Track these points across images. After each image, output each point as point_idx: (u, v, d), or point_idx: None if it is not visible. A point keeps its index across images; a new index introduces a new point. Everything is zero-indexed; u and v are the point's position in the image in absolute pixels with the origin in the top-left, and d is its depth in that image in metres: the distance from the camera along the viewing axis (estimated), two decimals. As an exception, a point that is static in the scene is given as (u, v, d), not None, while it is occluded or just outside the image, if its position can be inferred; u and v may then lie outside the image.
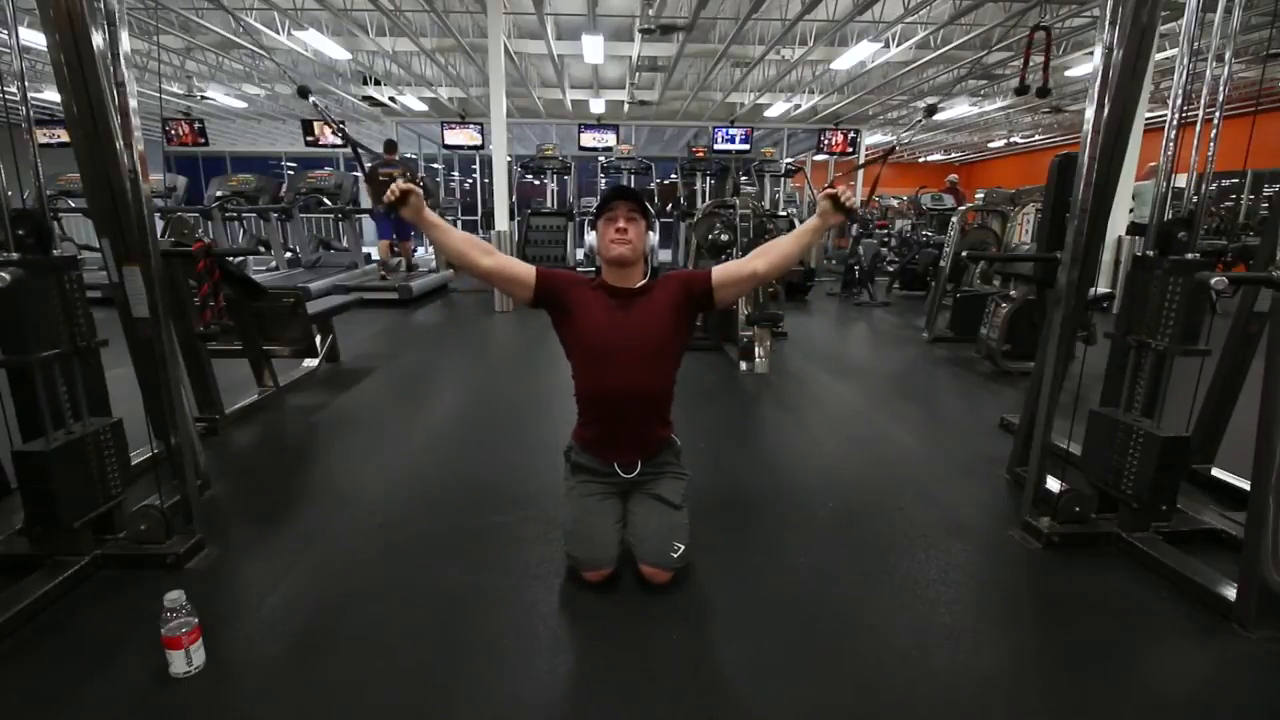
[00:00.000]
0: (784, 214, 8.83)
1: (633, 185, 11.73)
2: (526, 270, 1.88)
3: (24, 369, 1.79)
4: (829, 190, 1.80)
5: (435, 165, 16.13)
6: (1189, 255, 1.99)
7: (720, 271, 1.91)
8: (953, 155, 21.62)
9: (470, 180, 17.61)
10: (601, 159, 11.87)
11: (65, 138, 1.87)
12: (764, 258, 1.90)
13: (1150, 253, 2.08)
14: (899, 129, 16.02)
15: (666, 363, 1.91)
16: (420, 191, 1.80)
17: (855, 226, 9.19)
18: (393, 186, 1.75)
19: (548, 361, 4.81)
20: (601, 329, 1.84)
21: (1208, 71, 2.06)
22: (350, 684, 1.51)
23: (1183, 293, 1.95)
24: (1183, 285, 1.95)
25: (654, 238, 1.86)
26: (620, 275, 1.88)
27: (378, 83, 10.95)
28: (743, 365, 4.45)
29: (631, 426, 1.91)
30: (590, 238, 1.90)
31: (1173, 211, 2.14)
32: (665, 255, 11.00)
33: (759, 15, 7.48)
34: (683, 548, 1.85)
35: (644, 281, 1.91)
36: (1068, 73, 9.39)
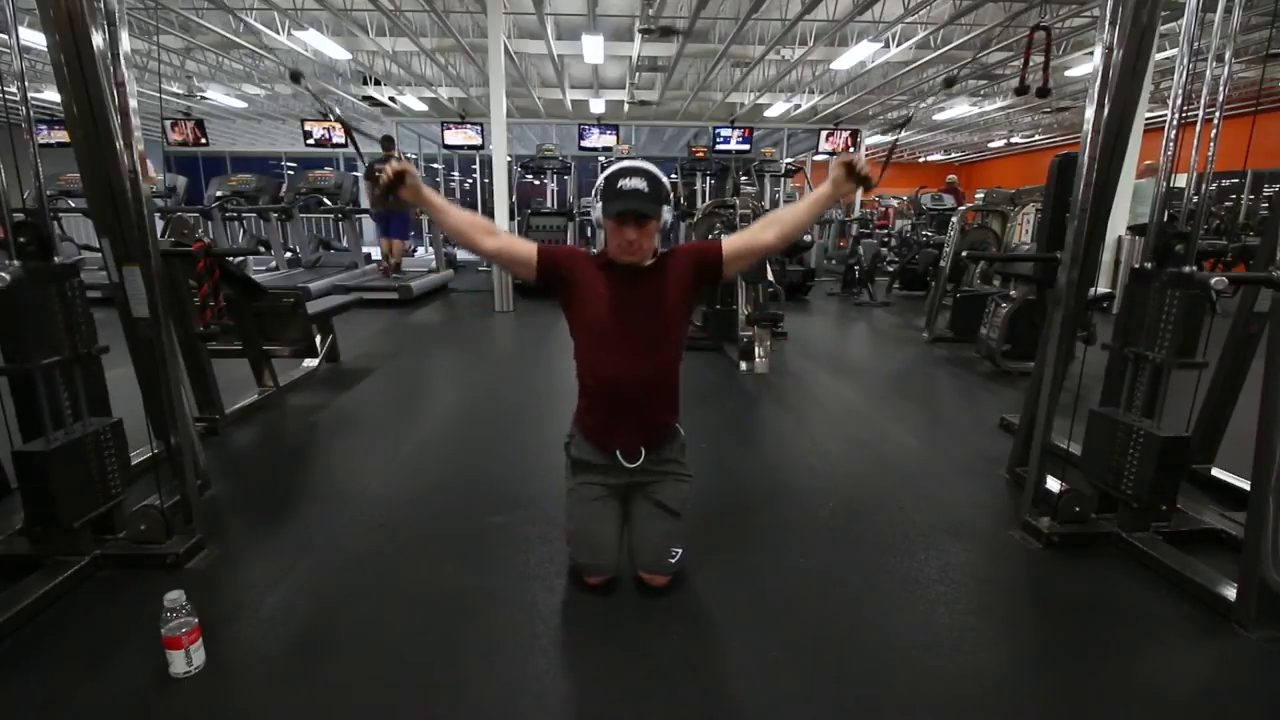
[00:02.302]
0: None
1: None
2: (528, 250, 1.79)
3: (26, 376, 1.79)
4: (845, 157, 1.70)
5: (435, 165, 16.13)
6: (1186, 268, 1.98)
7: (731, 245, 1.81)
8: (953, 155, 21.62)
9: (470, 180, 17.62)
10: (601, 159, 11.87)
11: (65, 138, 1.87)
12: (775, 227, 1.80)
13: (1148, 264, 2.08)
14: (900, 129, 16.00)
15: (672, 345, 1.83)
16: (415, 171, 1.71)
17: (855, 226, 9.20)
18: (386, 169, 1.67)
19: (547, 361, 4.81)
20: (605, 309, 1.76)
21: (1208, 71, 2.06)
22: (350, 684, 1.51)
23: (1180, 305, 1.95)
24: (1180, 297, 1.95)
25: (669, 213, 1.74)
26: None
27: (378, 83, 10.95)
28: (743, 365, 4.45)
29: (635, 411, 1.82)
30: (595, 213, 1.78)
31: (1171, 211, 2.14)
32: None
33: (759, 15, 7.48)
34: (680, 552, 1.84)
35: (652, 261, 1.79)
36: (1068, 73, 9.38)
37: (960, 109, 12.76)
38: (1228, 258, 5.65)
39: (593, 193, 1.83)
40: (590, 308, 1.77)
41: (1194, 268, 1.97)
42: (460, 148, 11.35)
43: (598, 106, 12.29)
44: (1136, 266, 2.12)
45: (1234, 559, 1.86)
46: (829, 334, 6.26)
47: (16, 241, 1.77)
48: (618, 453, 1.85)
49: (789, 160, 12.98)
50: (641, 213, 1.68)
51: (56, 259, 1.86)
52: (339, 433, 3.27)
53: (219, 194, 8.30)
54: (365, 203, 8.54)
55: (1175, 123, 2.04)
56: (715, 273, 1.82)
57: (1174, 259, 2.01)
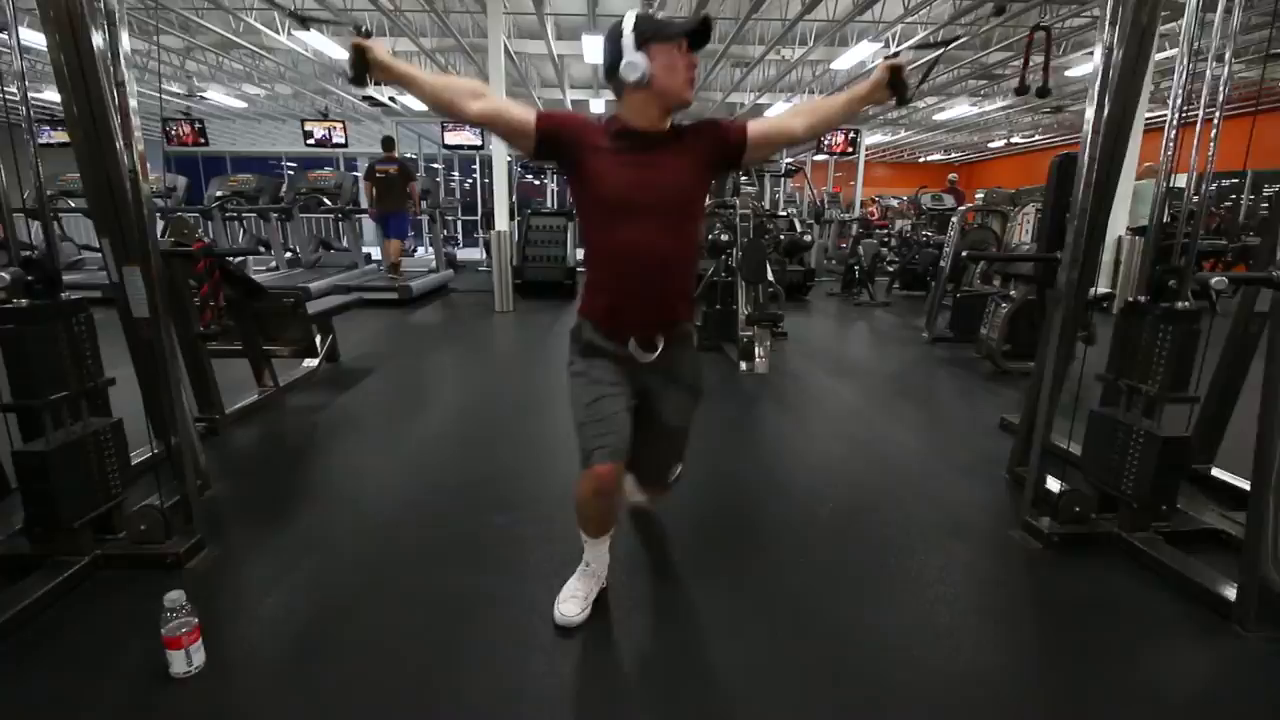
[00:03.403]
0: (784, 214, 8.83)
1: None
2: (525, 116, 1.58)
3: (32, 412, 1.82)
4: (894, 61, 1.59)
5: (435, 165, 16.12)
6: (1179, 304, 1.99)
7: (758, 128, 1.67)
8: (953, 155, 21.62)
9: (470, 180, 17.60)
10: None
11: (65, 138, 1.88)
12: (805, 118, 1.67)
13: (1141, 298, 2.09)
14: (900, 128, 16.04)
15: (690, 221, 1.68)
16: (372, 45, 1.54)
17: (855, 226, 9.19)
18: (351, 46, 1.53)
19: (548, 361, 4.81)
20: (620, 177, 1.58)
21: (1208, 71, 2.06)
22: (350, 684, 1.51)
23: (1173, 340, 1.97)
24: (1173, 333, 1.97)
25: None
26: (656, 117, 1.59)
27: (378, 83, 10.95)
28: (743, 365, 4.45)
29: (652, 291, 1.64)
30: (637, 60, 1.50)
31: (1171, 214, 2.14)
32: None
33: (759, 15, 7.49)
34: (680, 468, 1.94)
35: (668, 125, 1.62)
36: (1068, 73, 9.39)
37: (960, 109, 12.76)
38: (1228, 258, 5.65)
39: (610, 57, 1.58)
40: (603, 177, 1.59)
41: (1187, 304, 1.98)
42: (460, 148, 11.35)
43: (598, 106, 12.30)
44: (1130, 300, 2.13)
45: (1234, 559, 1.86)
46: (829, 334, 6.26)
47: (25, 279, 1.78)
48: (632, 341, 1.65)
49: (789, 160, 12.97)
50: (709, 20, 1.52)
51: (64, 295, 1.88)
52: (339, 433, 3.27)
53: (219, 194, 8.30)
54: (365, 203, 8.54)
55: (1175, 123, 2.04)
56: (737, 155, 1.67)
57: (1167, 294, 2.02)
